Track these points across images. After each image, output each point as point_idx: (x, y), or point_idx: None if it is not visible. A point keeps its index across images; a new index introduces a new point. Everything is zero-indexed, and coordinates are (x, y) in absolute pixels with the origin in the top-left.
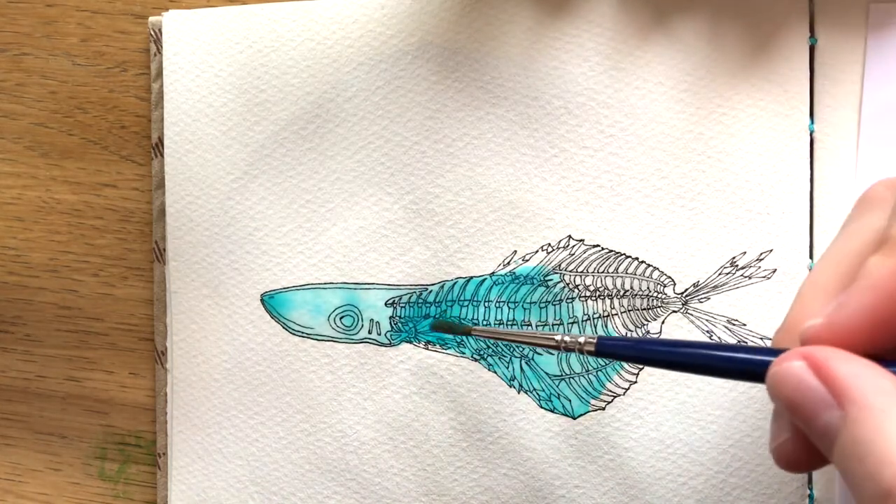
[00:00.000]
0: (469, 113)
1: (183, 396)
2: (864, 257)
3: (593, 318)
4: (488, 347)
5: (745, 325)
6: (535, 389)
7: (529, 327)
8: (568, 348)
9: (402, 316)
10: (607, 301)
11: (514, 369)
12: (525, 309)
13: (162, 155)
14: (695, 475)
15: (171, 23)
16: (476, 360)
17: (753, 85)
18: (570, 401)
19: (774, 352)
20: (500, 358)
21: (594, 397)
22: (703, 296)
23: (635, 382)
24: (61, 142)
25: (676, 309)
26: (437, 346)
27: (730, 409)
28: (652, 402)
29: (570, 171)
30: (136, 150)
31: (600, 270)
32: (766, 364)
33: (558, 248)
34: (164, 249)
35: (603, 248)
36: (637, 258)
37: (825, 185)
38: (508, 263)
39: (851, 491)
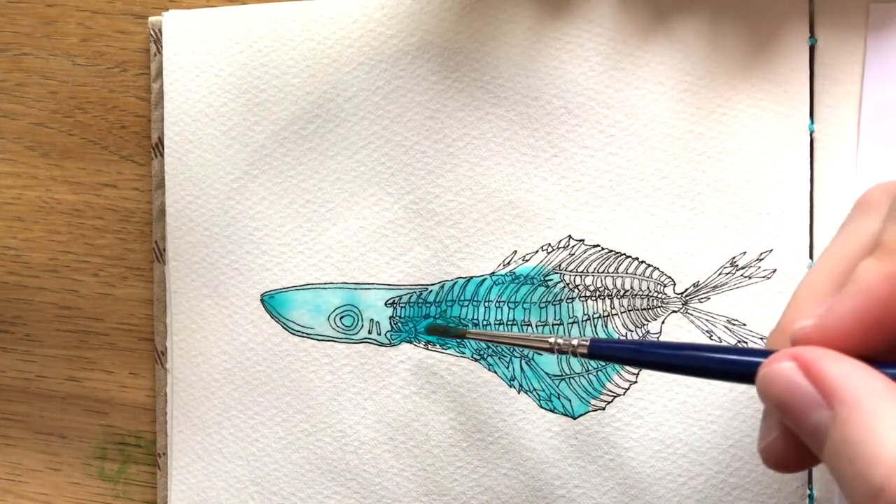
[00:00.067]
0: (469, 113)
1: (183, 396)
2: (859, 261)
3: (593, 318)
4: (488, 347)
5: (745, 325)
6: (535, 389)
7: (529, 327)
8: (561, 350)
9: (403, 316)
10: (607, 301)
11: (514, 369)
12: (525, 309)
13: (162, 155)
14: (695, 475)
15: (171, 23)
16: (476, 360)
17: (753, 85)
18: (570, 401)
19: (766, 353)
20: (500, 358)
21: (594, 397)
22: (703, 296)
23: (635, 382)
24: (61, 142)
25: (676, 309)
26: (438, 346)
27: (730, 409)
28: (652, 402)
29: (571, 171)
30: (136, 150)
31: (600, 270)
32: (757, 365)
33: (558, 248)
34: (164, 249)
35: (603, 248)
36: (637, 258)
37: (825, 185)
38: (508, 263)
39: (842, 490)
